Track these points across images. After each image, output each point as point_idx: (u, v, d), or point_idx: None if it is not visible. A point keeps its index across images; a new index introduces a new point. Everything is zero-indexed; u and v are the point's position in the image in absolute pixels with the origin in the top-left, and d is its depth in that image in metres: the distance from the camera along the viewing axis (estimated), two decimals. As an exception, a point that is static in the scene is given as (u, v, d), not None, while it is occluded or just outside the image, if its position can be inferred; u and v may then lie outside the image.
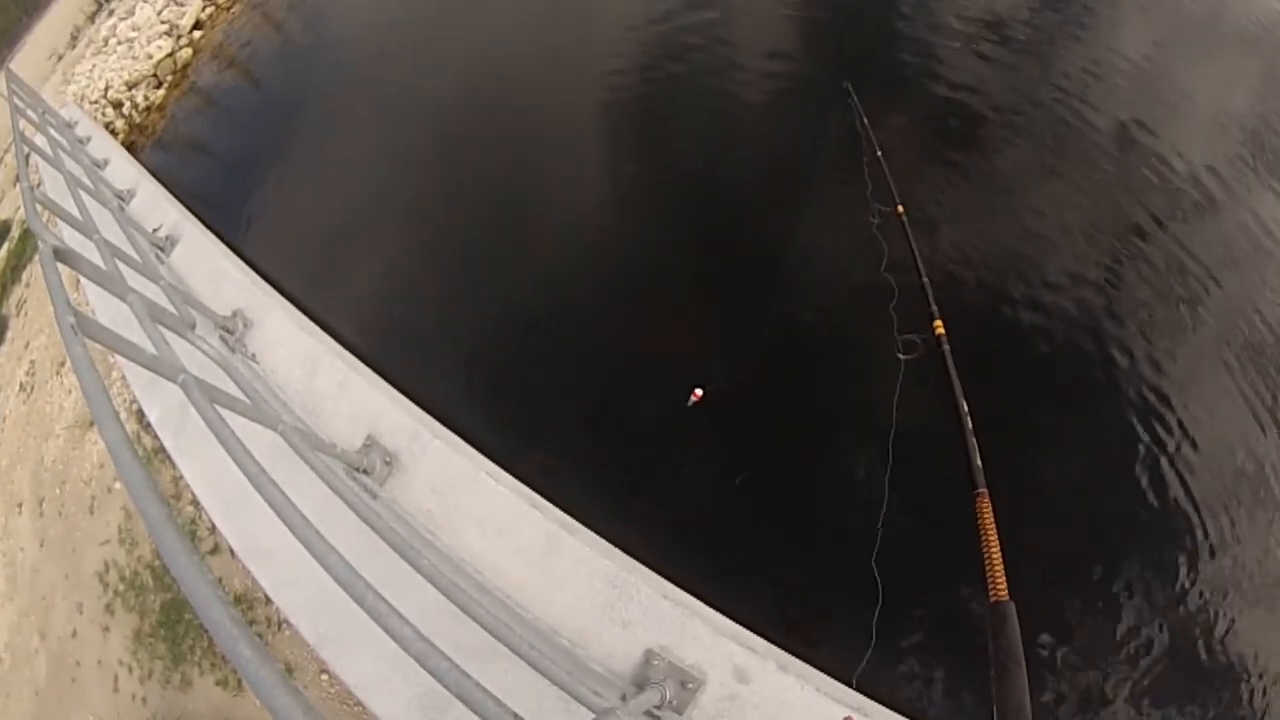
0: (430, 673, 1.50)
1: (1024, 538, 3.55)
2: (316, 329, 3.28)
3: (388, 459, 2.75)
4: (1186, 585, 3.87)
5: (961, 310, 4.07)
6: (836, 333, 3.99)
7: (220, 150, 6.34)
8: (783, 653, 2.35)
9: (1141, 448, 4.18)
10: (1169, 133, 5.52)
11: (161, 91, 7.64)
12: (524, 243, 4.89)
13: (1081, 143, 5.43)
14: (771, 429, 3.96)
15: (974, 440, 1.46)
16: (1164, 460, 4.15)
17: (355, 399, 2.95)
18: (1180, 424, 4.27)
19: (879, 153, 3.32)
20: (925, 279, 2.37)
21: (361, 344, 4.11)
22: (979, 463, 1.41)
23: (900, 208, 2.79)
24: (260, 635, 4.27)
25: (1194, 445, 4.21)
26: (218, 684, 4.85)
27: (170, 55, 8.12)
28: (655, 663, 2.29)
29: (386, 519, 2.32)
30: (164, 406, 4.00)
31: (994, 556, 1.02)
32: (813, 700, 2.15)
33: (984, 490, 1.24)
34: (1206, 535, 4.00)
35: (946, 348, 2.00)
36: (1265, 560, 3.98)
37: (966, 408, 1.62)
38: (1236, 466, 4.19)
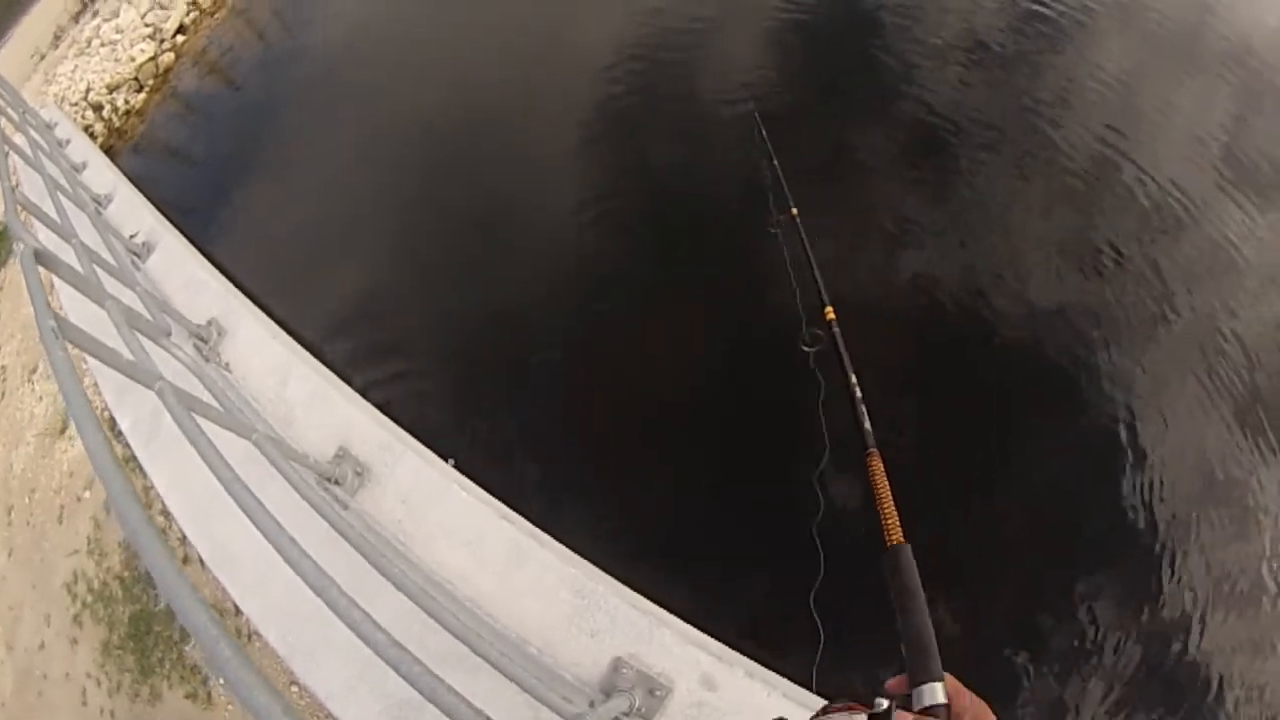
0: (404, 678, 1.53)
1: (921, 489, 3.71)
2: (289, 339, 3.29)
3: (359, 470, 2.76)
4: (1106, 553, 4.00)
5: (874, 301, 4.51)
6: (751, 334, 4.22)
7: (198, 157, 6.32)
8: (749, 660, 2.39)
9: (1096, 436, 4.36)
10: (1142, 150, 5.68)
11: (142, 96, 7.58)
12: (497, 256, 4.96)
13: (1052, 158, 5.58)
14: (715, 435, 4.09)
15: (863, 408, 1.62)
16: (1126, 459, 4.28)
17: (327, 410, 2.96)
18: (1133, 416, 4.42)
19: (775, 160, 3.50)
20: (816, 273, 2.56)
21: (334, 355, 4.14)
22: (868, 426, 1.55)
23: (794, 210, 2.98)
24: (230, 647, 4.21)
25: (1146, 438, 4.36)
26: (187, 696, 4.77)
27: (152, 59, 8.06)
28: (623, 670, 2.31)
29: (358, 529, 2.33)
30: (135, 415, 3.98)
31: (886, 507, 1.08)
32: (780, 705, 2.19)
33: (874, 450, 1.34)
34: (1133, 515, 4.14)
35: (837, 330, 2.20)
36: (1216, 561, 4.06)
37: (855, 379, 1.80)
38: (1187, 465, 4.32)
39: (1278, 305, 5.02)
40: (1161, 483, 4.23)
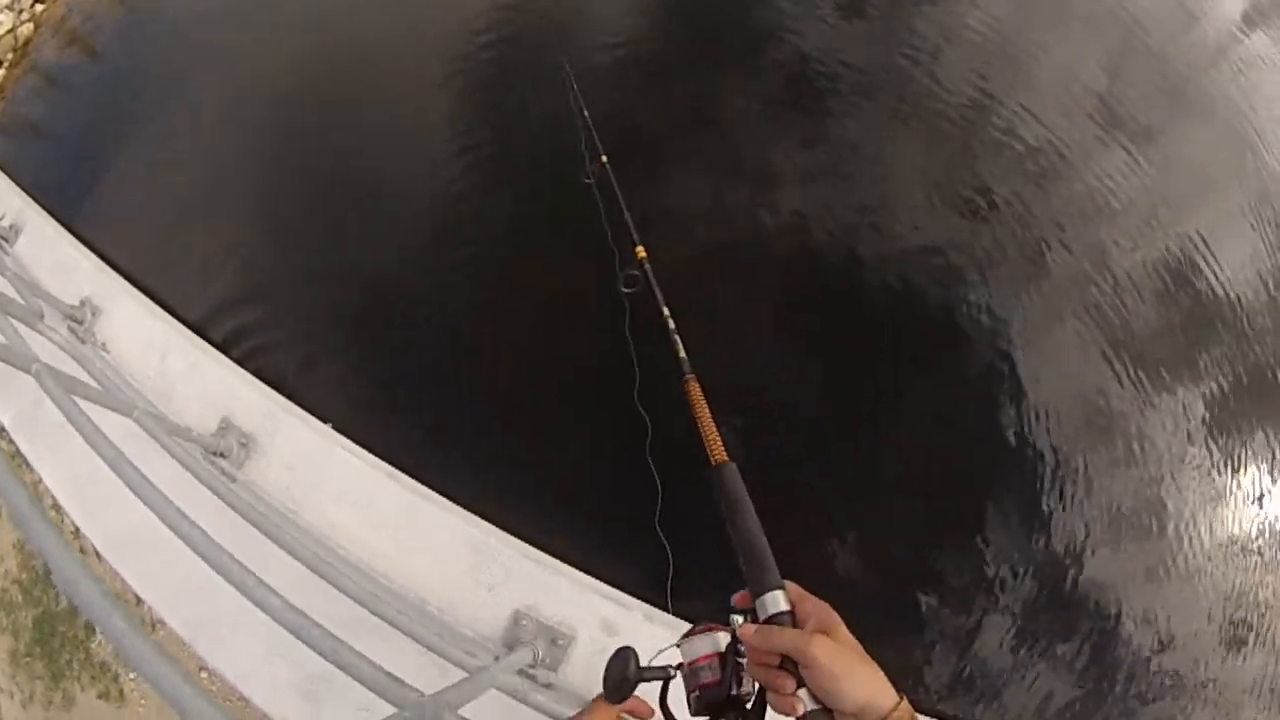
0: (305, 643, 1.52)
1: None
2: (165, 314, 3.16)
3: (244, 440, 2.70)
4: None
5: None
6: (573, 282, 4.25)
7: (63, 133, 5.91)
8: (647, 605, 2.46)
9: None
10: (1019, 97, 5.92)
11: (2, 71, 6.99)
12: (356, 216, 4.91)
13: (928, 106, 5.77)
14: (554, 382, 4.19)
15: (676, 337, 1.71)
16: (1004, 402, 4.47)
17: (207, 382, 2.88)
18: (1013, 353, 4.63)
19: (585, 112, 3.60)
20: (626, 213, 2.70)
21: (211, 327, 3.99)
22: (683, 354, 1.63)
23: (604, 158, 3.12)
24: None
25: (1027, 374, 4.57)
26: (99, 696, 4.62)
27: (11, 31, 7.39)
28: (524, 623, 2.34)
29: (247, 499, 2.30)
30: (17, 409, 3.79)
31: (707, 428, 1.13)
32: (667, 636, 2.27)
33: (691, 375, 1.41)
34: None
35: (648, 267, 2.32)
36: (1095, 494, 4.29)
37: (667, 311, 1.91)
38: (1069, 399, 4.53)
39: (1148, 247, 5.31)
40: (1045, 415, 4.42)
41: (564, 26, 5.96)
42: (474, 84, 5.54)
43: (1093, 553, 4.09)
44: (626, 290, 2.37)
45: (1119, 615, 4.01)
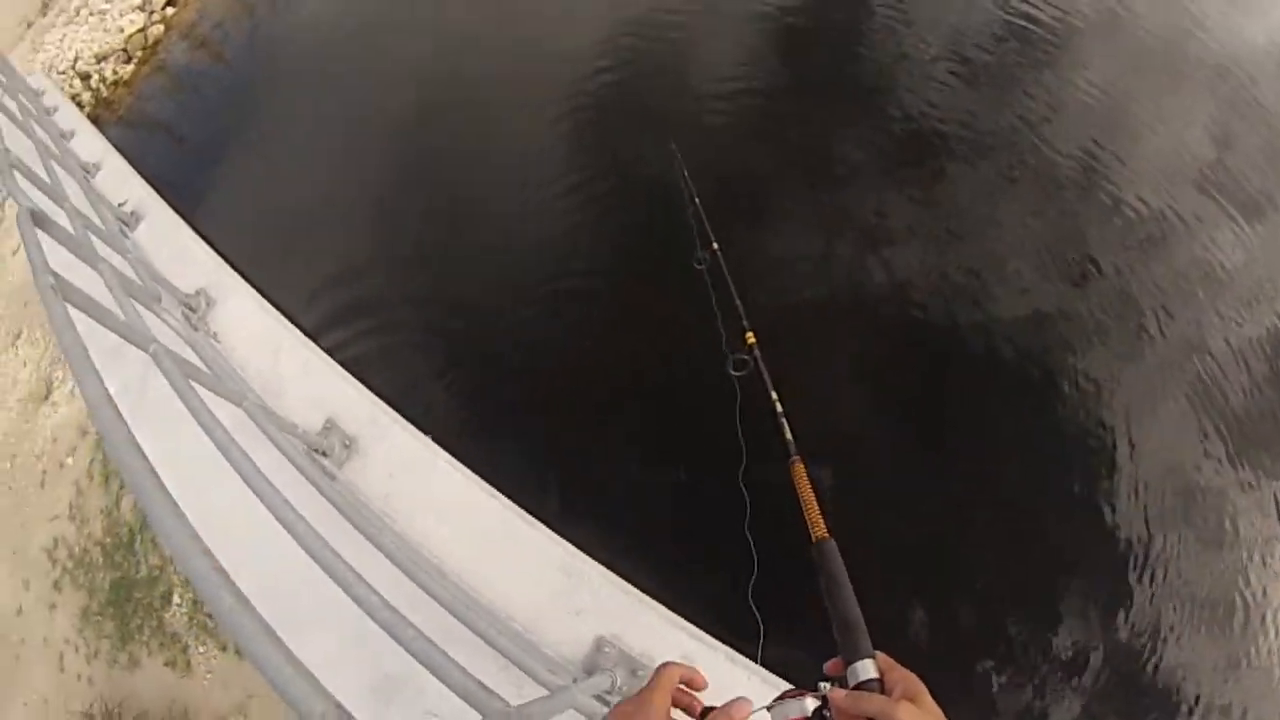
0: (396, 640, 1.51)
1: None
2: (277, 312, 3.30)
3: (347, 442, 2.79)
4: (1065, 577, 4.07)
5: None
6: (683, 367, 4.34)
7: (186, 131, 6.29)
8: (730, 649, 2.45)
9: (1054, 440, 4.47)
10: (1128, 163, 5.78)
11: (130, 67, 7.48)
12: (479, 236, 5.07)
13: (1040, 171, 5.69)
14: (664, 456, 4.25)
15: (784, 420, 1.76)
16: (1097, 470, 4.37)
17: (316, 381, 2.98)
18: (1107, 426, 4.53)
19: (696, 200, 3.66)
20: (738, 299, 2.78)
21: (318, 331, 4.18)
22: (790, 436, 1.67)
23: (715, 245, 3.20)
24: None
25: (1120, 449, 4.46)
26: (166, 664, 4.82)
27: (142, 30, 7.95)
28: (606, 650, 2.34)
29: (347, 498, 2.38)
30: (120, 382, 3.98)
31: (810, 506, 1.17)
32: (759, 689, 2.26)
33: (796, 456, 1.46)
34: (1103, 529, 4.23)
35: (757, 353, 2.38)
36: (1190, 579, 4.15)
37: (775, 395, 1.95)
38: (1161, 477, 4.40)
39: (1254, 323, 5.11)
40: (1135, 493, 4.33)
41: (663, 103, 6.08)
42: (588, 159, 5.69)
43: (1168, 637, 3.96)
44: (736, 374, 2.46)
45: (1190, 704, 3.86)
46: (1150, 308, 5.03)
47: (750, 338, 2.48)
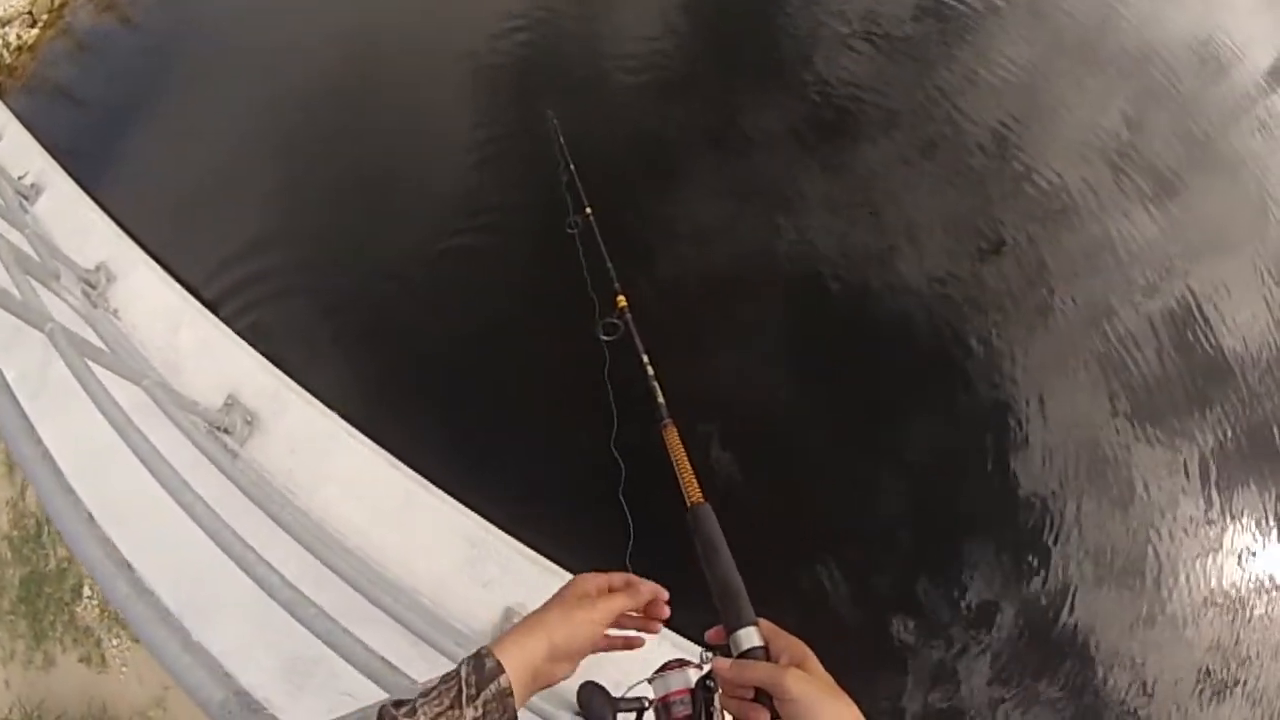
0: (298, 621, 1.50)
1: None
2: (179, 287, 3.17)
3: (249, 418, 2.71)
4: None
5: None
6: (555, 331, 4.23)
7: (90, 98, 5.97)
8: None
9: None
10: (1044, 139, 5.94)
11: (35, 31, 7.04)
12: (379, 218, 5.02)
13: (955, 142, 5.79)
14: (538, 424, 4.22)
15: (654, 383, 1.77)
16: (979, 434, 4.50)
17: (216, 357, 2.89)
18: (1013, 396, 4.64)
19: (571, 166, 3.72)
20: (609, 263, 2.82)
21: (221, 304, 4.03)
22: (661, 400, 1.69)
23: (588, 210, 3.26)
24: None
25: (1026, 417, 4.58)
26: (80, 660, 4.62)
27: (49, -8, 7.51)
28: (515, 620, 2.36)
29: (249, 476, 2.30)
30: (20, 368, 3.80)
31: (684, 470, 1.15)
32: (670, 652, 2.27)
33: (668, 420, 1.45)
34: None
35: (629, 316, 2.41)
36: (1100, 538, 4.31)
37: (646, 359, 1.98)
38: (1066, 444, 4.54)
39: (1159, 297, 5.31)
40: (1043, 456, 4.45)
41: (553, 69, 6.04)
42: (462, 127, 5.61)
43: (1079, 595, 4.09)
44: (606, 338, 2.46)
45: (1101, 659, 4.01)
46: (1061, 277, 5.17)
47: (621, 301, 2.48)
